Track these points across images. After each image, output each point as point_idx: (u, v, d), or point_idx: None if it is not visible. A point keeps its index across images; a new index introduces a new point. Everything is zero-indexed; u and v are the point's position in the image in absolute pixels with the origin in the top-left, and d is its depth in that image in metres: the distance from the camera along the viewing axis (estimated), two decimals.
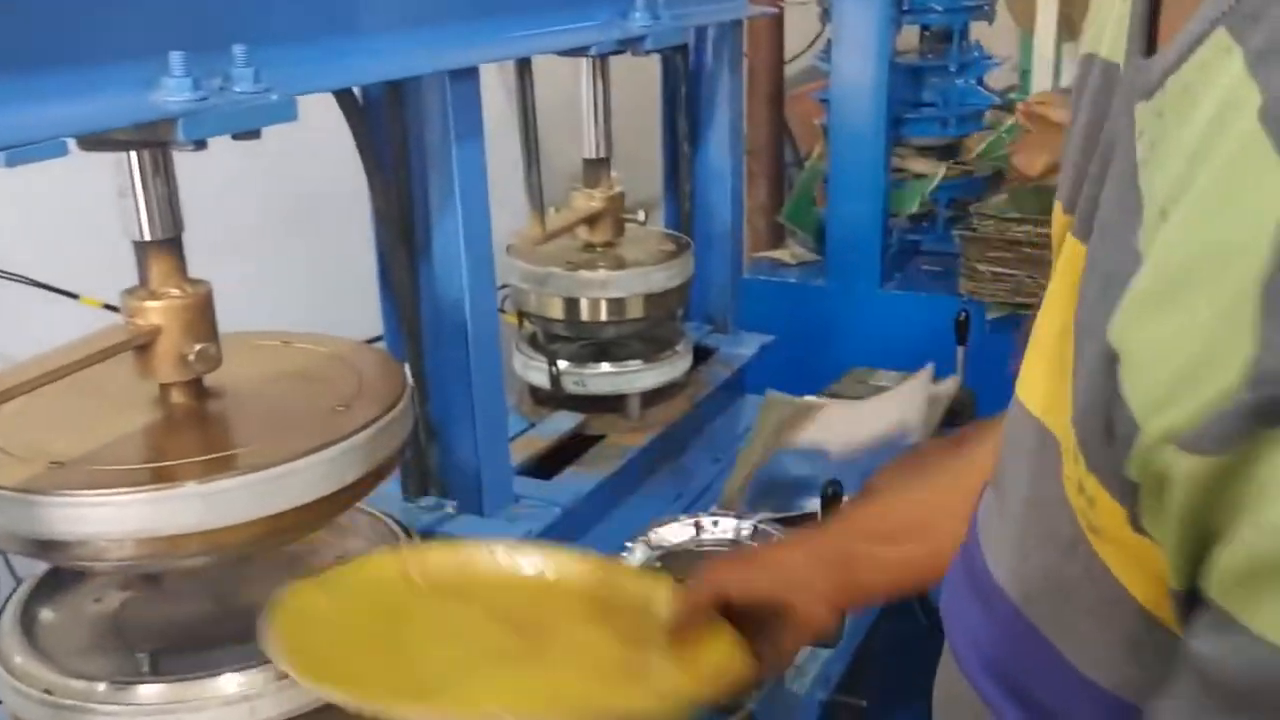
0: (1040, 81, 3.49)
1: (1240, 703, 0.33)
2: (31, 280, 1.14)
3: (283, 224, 1.96)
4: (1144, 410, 0.33)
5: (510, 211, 1.41)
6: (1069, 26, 3.53)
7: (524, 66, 1.28)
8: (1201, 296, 0.31)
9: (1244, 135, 0.31)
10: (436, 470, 1.25)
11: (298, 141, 1.17)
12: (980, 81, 2.31)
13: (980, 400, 1.62)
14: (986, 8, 2.29)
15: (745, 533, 1.28)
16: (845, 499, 1.24)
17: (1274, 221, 0.30)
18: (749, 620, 0.84)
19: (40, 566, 0.97)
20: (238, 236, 1.80)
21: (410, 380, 0.98)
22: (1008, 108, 2.74)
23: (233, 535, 0.82)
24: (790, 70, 2.81)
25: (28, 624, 0.91)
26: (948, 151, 2.38)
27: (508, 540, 0.98)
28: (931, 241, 2.36)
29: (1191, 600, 0.35)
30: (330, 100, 1.03)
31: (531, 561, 0.93)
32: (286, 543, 0.90)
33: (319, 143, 1.20)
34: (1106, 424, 0.36)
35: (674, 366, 1.52)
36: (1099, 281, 0.40)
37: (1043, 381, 0.47)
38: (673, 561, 1.15)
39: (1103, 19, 0.45)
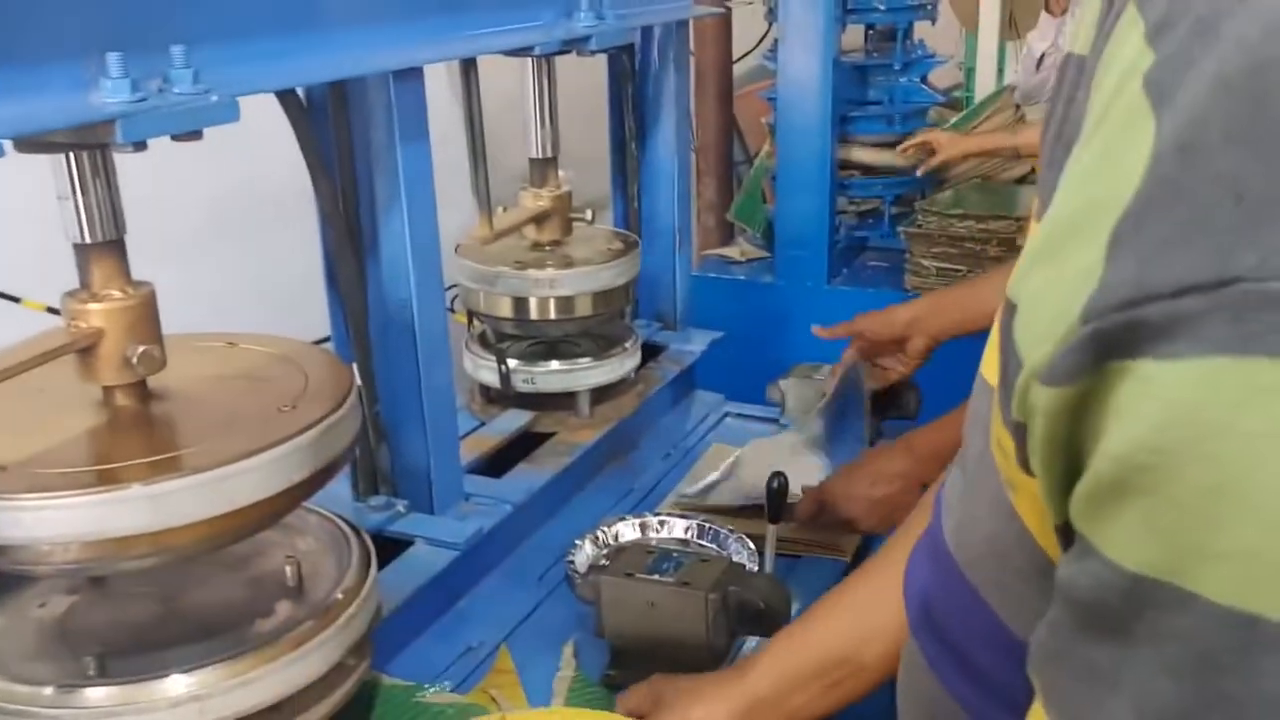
0: (984, 79, 3.55)
1: (1087, 619, 0.35)
2: None
3: (230, 226, 1.95)
4: (1025, 355, 0.35)
5: (461, 212, 1.42)
6: (1012, 25, 3.59)
7: (469, 67, 1.29)
8: (1076, 248, 0.33)
9: (1132, 96, 0.33)
10: (387, 470, 1.25)
11: (246, 143, 1.17)
12: (924, 79, 2.35)
13: (925, 395, 1.65)
14: (930, 7, 2.33)
15: (692, 533, 1.30)
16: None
17: (1138, 175, 0.31)
18: None
19: None
20: (185, 239, 1.79)
21: (358, 379, 0.98)
22: (952, 105, 2.79)
23: (179, 536, 0.81)
24: (739, 69, 2.84)
25: None
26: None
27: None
28: (878, 238, 2.39)
29: (1068, 535, 0.37)
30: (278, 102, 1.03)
31: None
32: (234, 542, 0.90)
33: (267, 144, 1.20)
34: (1005, 374, 0.38)
35: (623, 364, 1.53)
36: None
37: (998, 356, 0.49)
38: (620, 555, 1.16)
39: (1081, 18, 0.47)
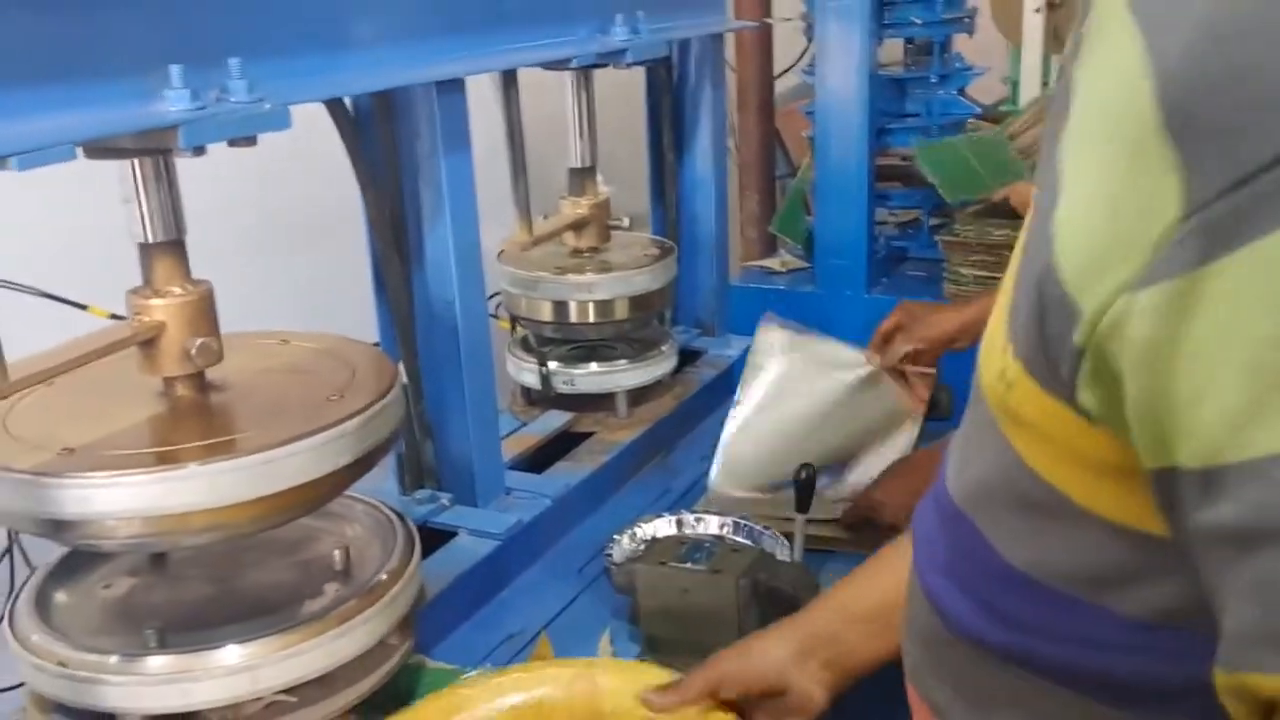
0: (1029, 93, 3.54)
1: (1248, 541, 0.35)
2: (41, 292, 1.21)
3: (285, 234, 2.03)
4: (1081, 278, 0.37)
5: (509, 220, 1.47)
6: (1056, 38, 3.59)
7: (509, 79, 1.34)
8: (1109, 166, 0.36)
9: (1116, 18, 0.37)
10: (432, 464, 1.30)
11: (300, 155, 1.24)
12: (962, 92, 2.37)
13: (958, 397, 1.67)
14: (967, 20, 2.35)
15: (727, 529, 1.33)
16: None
17: (1145, 79, 0.35)
18: (749, 704, 0.93)
19: (53, 555, 1.03)
20: (242, 245, 1.87)
21: (402, 371, 1.04)
22: (994, 119, 2.80)
23: (232, 514, 0.87)
24: (784, 85, 2.87)
25: (43, 606, 0.97)
26: None
27: (485, 671, 1.05)
28: (918, 248, 2.41)
29: (1164, 480, 0.38)
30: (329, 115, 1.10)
31: (515, 683, 1.00)
32: (284, 523, 0.96)
33: (319, 156, 1.26)
34: (1038, 303, 0.40)
35: (659, 366, 1.58)
36: (1034, 211, 0.44)
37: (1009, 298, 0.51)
38: (655, 546, 1.20)
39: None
